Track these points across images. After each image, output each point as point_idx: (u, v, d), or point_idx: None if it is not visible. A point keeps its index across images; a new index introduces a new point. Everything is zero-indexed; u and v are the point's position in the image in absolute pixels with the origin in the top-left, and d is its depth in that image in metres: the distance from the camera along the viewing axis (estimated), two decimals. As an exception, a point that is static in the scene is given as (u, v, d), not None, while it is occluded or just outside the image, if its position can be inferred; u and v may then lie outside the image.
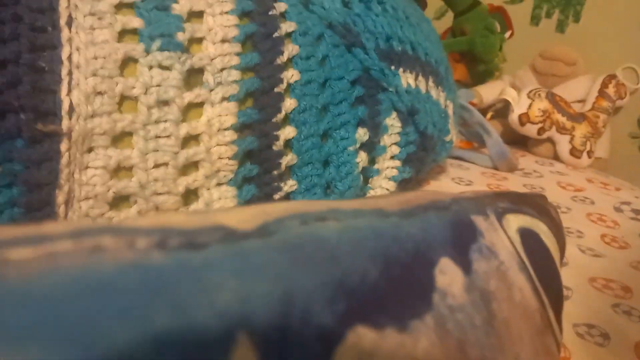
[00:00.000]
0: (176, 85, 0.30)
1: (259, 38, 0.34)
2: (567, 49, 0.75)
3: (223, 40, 0.32)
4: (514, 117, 0.66)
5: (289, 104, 0.35)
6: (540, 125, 0.65)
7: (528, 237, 0.21)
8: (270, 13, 0.35)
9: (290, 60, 0.35)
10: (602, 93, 0.68)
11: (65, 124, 0.26)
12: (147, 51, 0.29)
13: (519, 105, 0.65)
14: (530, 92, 0.66)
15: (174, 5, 0.31)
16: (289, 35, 0.35)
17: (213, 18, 0.32)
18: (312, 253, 0.13)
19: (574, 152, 0.65)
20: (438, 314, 0.15)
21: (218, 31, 0.32)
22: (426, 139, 0.45)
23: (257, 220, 0.14)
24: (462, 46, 0.76)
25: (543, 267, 0.20)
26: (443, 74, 0.49)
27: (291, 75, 0.35)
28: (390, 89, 0.41)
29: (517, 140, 0.70)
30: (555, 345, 0.20)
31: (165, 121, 0.30)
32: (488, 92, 0.76)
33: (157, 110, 0.29)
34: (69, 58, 0.27)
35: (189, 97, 0.30)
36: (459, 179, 0.55)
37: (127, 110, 0.29)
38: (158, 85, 0.29)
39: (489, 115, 0.72)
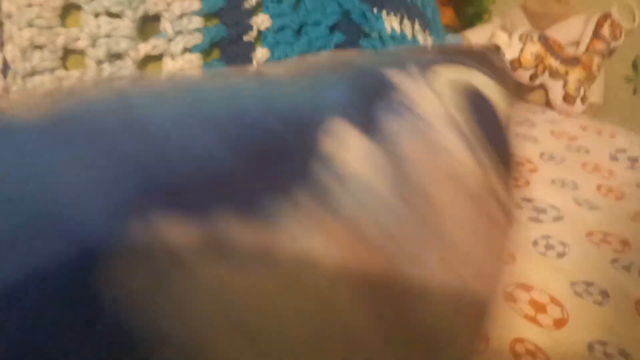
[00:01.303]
0: (129, 35, 0.26)
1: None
2: (560, -13, 0.70)
3: (180, -16, 0.28)
4: (505, 62, 0.62)
5: (261, 54, 0.31)
6: (532, 70, 0.62)
7: (461, 89, 0.17)
8: (234, -50, 0.31)
9: (259, 3, 0.31)
10: (596, 34, 0.65)
11: (-2, 84, 0.23)
12: (92, -4, 0.25)
13: (510, 50, 0.62)
14: (521, 35, 0.63)
15: (121, -57, 0.27)
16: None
17: (168, -44, 0.28)
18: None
19: (568, 99, 0.63)
20: (318, 186, 0.12)
21: (174, -29, 0.28)
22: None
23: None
24: (449, -13, 0.72)
25: (483, 122, 0.17)
26: (430, 17, 0.45)
27: (261, 20, 0.31)
28: (373, 35, 0.38)
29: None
30: (501, 210, 0.17)
31: (120, 78, 0.26)
32: (477, 36, 0.72)
33: (109, 65, 0.26)
34: (-3, 6, 0.23)
35: (144, 48, 0.27)
36: (448, 130, 0.53)
37: (73, 66, 0.25)
38: (107, 36, 0.26)
39: (478, 61, 0.68)
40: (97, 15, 0.26)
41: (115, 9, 0.26)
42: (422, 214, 0.13)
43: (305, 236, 0.11)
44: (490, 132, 0.17)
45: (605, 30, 0.65)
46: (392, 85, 0.16)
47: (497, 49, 0.64)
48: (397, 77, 0.16)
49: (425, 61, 0.18)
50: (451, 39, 0.62)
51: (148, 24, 0.27)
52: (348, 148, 0.13)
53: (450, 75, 0.17)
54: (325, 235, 0.11)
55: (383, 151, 0.13)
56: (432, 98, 0.16)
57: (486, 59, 0.20)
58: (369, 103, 0.15)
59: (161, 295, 0.09)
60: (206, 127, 0.11)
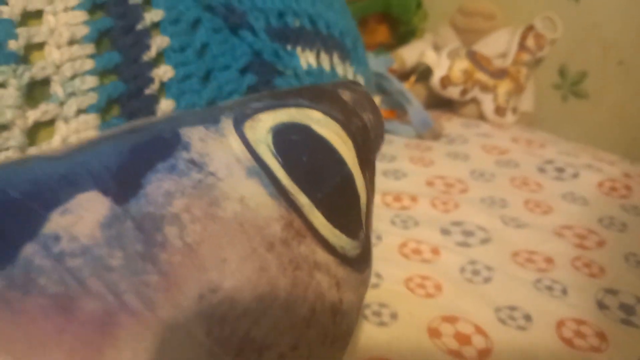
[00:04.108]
0: (14, 104, 0.25)
1: (117, 33, 0.29)
2: (484, 2, 0.72)
3: (71, 42, 0.27)
4: (435, 80, 0.63)
5: (165, 105, 0.31)
6: (462, 86, 0.63)
7: (287, 132, 0.17)
8: (130, 2, 0.30)
9: (161, 54, 0.31)
10: (521, 46, 0.67)
11: None
12: (-30, 67, 0.24)
13: (439, 68, 0.63)
14: (449, 52, 0.64)
15: (2, 8, 0.26)
16: (156, 25, 0.31)
17: (55, 17, 0.27)
18: None
19: (499, 111, 0.64)
20: (24, 270, 0.12)
21: (63, 31, 0.27)
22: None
23: None
24: (377, 7, 0.73)
25: (310, 163, 0.17)
26: (350, 47, 0.45)
27: (163, 72, 0.31)
28: (288, 72, 0.37)
29: (443, 103, 0.68)
30: (324, 249, 0.17)
31: (7, 149, 0.25)
32: (410, 54, 0.74)
33: (-7, 137, 0.25)
34: None
35: (34, 115, 0.26)
36: (381, 155, 0.53)
37: (-48, 143, 0.24)
38: (-10, 107, 0.25)
39: (412, 79, 0.70)
40: (-24, 86, 0.24)
41: (-3, 78, 0.25)
42: (177, 275, 0.13)
43: None
44: (319, 170, 0.17)
45: (530, 42, 0.67)
46: (184, 144, 0.16)
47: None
48: (195, 134, 0.16)
49: (249, 110, 0.18)
50: (382, 61, 0.62)
51: (37, 89, 0.26)
52: (84, 223, 0.13)
53: (275, 120, 0.17)
54: (20, 317, 0.11)
55: (132, 217, 0.13)
56: (236, 149, 0.16)
57: (334, 96, 0.20)
58: (144, 167, 0.15)
59: None
60: None
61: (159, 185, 0.14)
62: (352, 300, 0.17)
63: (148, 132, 0.16)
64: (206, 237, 0.14)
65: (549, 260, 0.36)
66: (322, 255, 0.16)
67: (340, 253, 0.17)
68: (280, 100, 0.18)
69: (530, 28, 0.68)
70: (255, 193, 0.15)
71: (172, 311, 0.13)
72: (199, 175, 0.15)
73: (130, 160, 0.15)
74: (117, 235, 0.13)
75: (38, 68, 0.26)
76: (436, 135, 0.56)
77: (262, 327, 0.14)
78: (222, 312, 0.13)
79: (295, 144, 0.17)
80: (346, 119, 0.19)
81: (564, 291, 0.33)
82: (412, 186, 0.46)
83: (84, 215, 0.13)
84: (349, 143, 0.19)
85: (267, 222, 0.15)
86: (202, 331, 0.13)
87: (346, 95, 0.20)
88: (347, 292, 0.17)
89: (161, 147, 0.15)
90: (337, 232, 0.17)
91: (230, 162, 0.16)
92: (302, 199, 0.16)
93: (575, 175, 0.48)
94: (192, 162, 0.15)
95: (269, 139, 0.17)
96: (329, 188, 0.17)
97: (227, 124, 0.17)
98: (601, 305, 0.32)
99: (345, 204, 0.18)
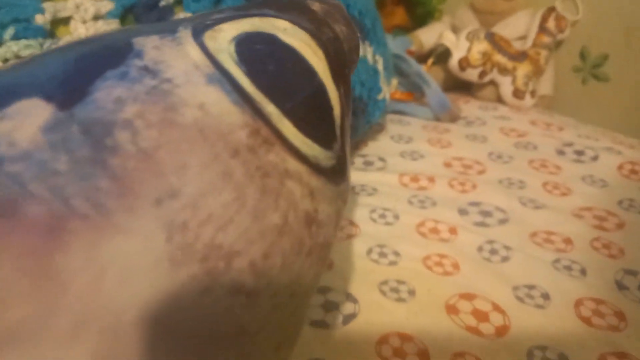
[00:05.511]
0: (41, 77, 0.26)
1: (141, 9, 0.29)
2: (505, -17, 0.71)
3: (96, 18, 0.28)
4: (453, 62, 0.63)
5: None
6: (481, 68, 0.62)
7: (251, 42, 0.17)
8: (153, -21, 0.30)
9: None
10: (542, 28, 0.66)
11: None
12: (-2, 41, 0.25)
13: (458, 50, 0.62)
14: (468, 34, 0.63)
15: (28, -18, 0.26)
16: (178, 2, 0.31)
17: (80, -8, 0.27)
18: None
19: (517, 94, 0.63)
20: None
21: (88, 7, 0.27)
22: (354, 102, 0.42)
23: None
24: (396, -11, 0.72)
25: (277, 72, 0.16)
26: (369, 27, 0.45)
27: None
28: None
29: (461, 85, 0.68)
30: (295, 157, 0.16)
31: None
32: (428, 36, 0.73)
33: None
34: None
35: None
36: (398, 137, 0.53)
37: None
38: (18, 80, 0.25)
39: (430, 61, 0.69)
40: (5, 60, 0.25)
41: (24, 52, 0.25)
42: (132, 180, 0.13)
43: None
44: (286, 79, 0.17)
45: (551, 24, 0.66)
46: (136, 52, 0.15)
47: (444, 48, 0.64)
48: (149, 43, 0.16)
49: (210, 21, 0.17)
50: (399, 42, 0.62)
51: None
52: (24, 128, 0.13)
53: (238, 30, 0.17)
54: None
55: (78, 121, 0.13)
56: (194, 57, 0.16)
57: (302, 6, 0.19)
58: (92, 75, 0.14)
59: None
60: None
61: (108, 92, 0.14)
62: (329, 212, 0.17)
63: (98, 42, 0.16)
64: (163, 143, 0.13)
65: (568, 241, 0.36)
66: (293, 164, 0.16)
67: (313, 162, 0.17)
68: (243, 11, 0.18)
69: (551, 10, 0.67)
70: (217, 100, 0.15)
71: (126, 217, 0.12)
72: (153, 81, 0.14)
73: (77, 68, 0.14)
74: (62, 139, 0.13)
75: (64, 43, 0.26)
76: (454, 118, 0.56)
77: (230, 233, 0.14)
78: (184, 218, 0.13)
79: (260, 53, 0.16)
80: (316, 28, 0.18)
81: (583, 271, 0.33)
82: (430, 167, 0.46)
83: (23, 121, 0.13)
84: (320, 53, 0.18)
85: (231, 128, 0.15)
86: (162, 237, 0.13)
87: (315, 6, 0.20)
88: (323, 203, 0.17)
89: (111, 55, 0.15)
90: (308, 141, 0.16)
91: (188, 69, 0.15)
92: (270, 108, 0.16)
93: (595, 158, 0.48)
94: (146, 69, 0.15)
95: (232, 48, 0.16)
96: (299, 98, 0.17)
97: (184, 34, 0.16)
98: (620, 286, 0.32)
99: (317, 114, 0.17)
